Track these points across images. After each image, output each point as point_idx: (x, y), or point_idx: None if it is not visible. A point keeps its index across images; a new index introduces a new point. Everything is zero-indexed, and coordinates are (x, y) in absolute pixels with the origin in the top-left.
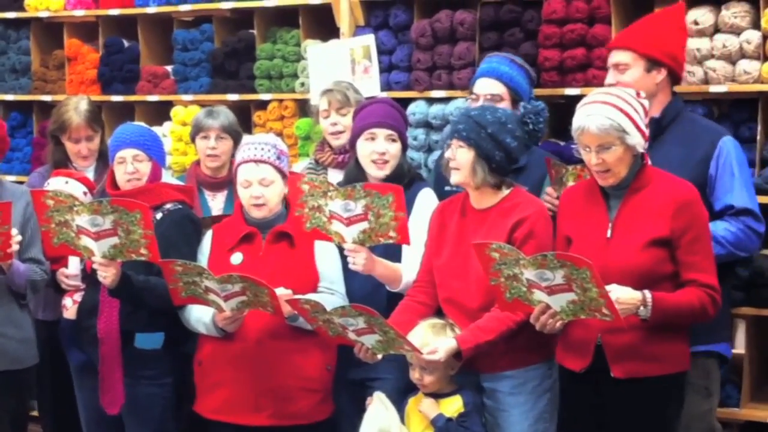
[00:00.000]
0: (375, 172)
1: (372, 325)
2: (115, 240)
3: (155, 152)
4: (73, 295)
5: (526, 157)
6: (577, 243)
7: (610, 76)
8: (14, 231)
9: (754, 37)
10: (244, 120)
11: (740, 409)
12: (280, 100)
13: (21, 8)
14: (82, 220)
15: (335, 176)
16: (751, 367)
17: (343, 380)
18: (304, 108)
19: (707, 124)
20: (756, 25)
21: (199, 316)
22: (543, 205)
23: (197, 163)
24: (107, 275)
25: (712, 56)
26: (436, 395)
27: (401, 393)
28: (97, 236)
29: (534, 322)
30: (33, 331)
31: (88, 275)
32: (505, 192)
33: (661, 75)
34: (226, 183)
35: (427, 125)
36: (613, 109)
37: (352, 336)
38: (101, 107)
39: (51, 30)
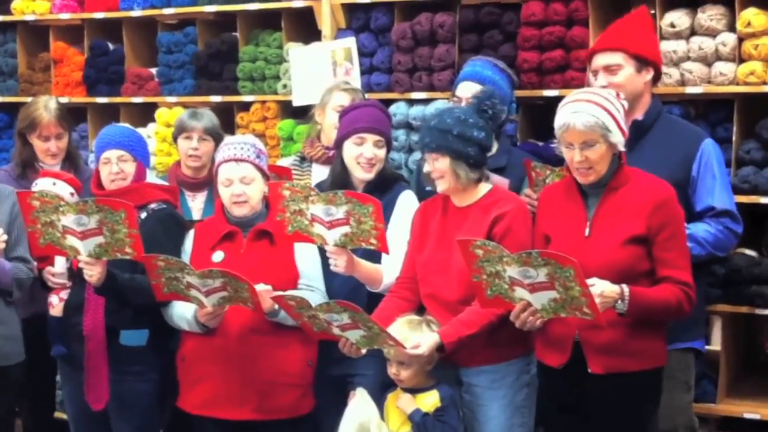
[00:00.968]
0: (361, 175)
1: (356, 320)
2: (100, 239)
3: (140, 153)
4: (60, 293)
5: (506, 157)
6: (555, 241)
7: (601, 79)
8: (0, 230)
9: (729, 39)
10: (227, 121)
11: (717, 404)
12: (263, 102)
13: (7, 12)
14: (68, 219)
15: (320, 171)
16: (728, 363)
17: (325, 376)
18: (286, 109)
19: (687, 126)
20: (731, 27)
21: (181, 313)
22: (522, 201)
23: (178, 163)
24: (93, 274)
25: (689, 58)
26: (414, 390)
27: (381, 388)
28: (83, 236)
29: (514, 320)
30: (19, 328)
31: (74, 273)
32: (485, 189)
33: (649, 74)
34: (206, 184)
35: (407, 126)
36: (597, 108)
37: (336, 331)
38: (86, 109)
39: (37, 33)
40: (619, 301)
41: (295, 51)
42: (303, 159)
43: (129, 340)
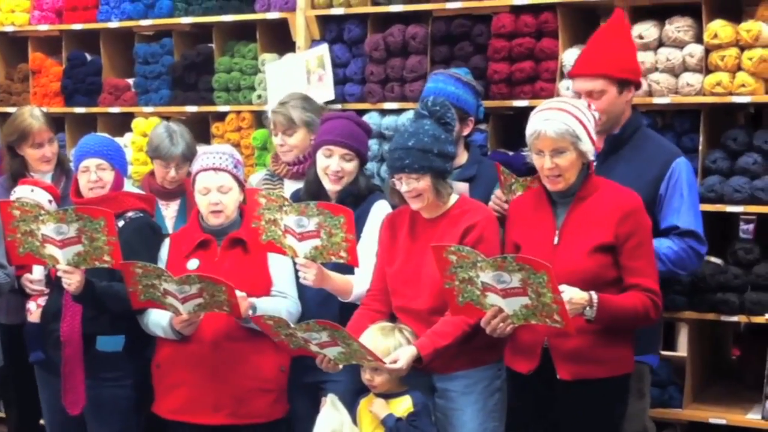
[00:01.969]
0: (329, 186)
1: (335, 338)
2: (79, 248)
3: (118, 162)
4: (38, 300)
5: (476, 167)
6: (525, 249)
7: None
8: None
9: (696, 50)
10: (202, 131)
11: (683, 409)
12: (238, 112)
13: None
14: (48, 228)
15: (292, 186)
16: (694, 369)
17: (298, 383)
18: (260, 119)
19: (662, 143)
20: (699, 39)
21: (157, 320)
22: (491, 211)
23: (151, 173)
24: (71, 282)
25: (656, 69)
26: (387, 396)
27: (353, 394)
28: (62, 244)
29: (485, 326)
30: None
31: (52, 280)
32: (453, 200)
33: (631, 93)
34: (179, 193)
35: (380, 136)
36: (568, 116)
37: (314, 348)
38: (64, 119)
39: (16, 44)
40: (588, 308)
41: (270, 65)
42: (273, 174)
43: (105, 346)
